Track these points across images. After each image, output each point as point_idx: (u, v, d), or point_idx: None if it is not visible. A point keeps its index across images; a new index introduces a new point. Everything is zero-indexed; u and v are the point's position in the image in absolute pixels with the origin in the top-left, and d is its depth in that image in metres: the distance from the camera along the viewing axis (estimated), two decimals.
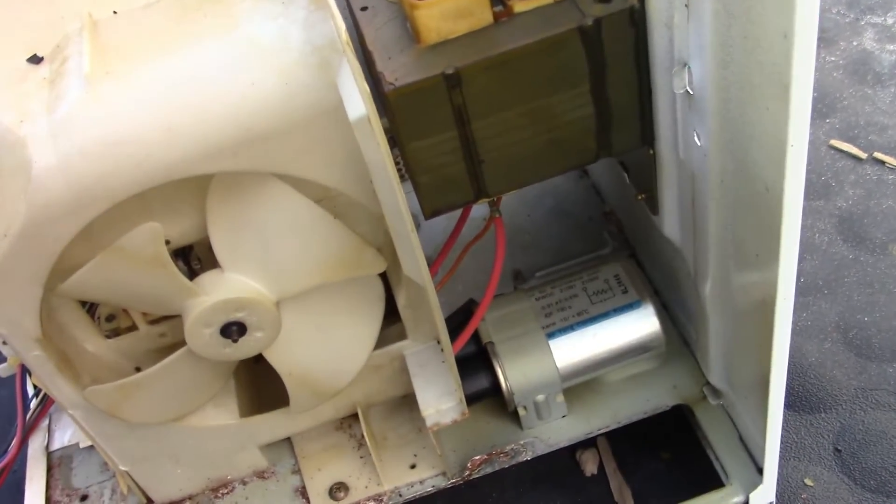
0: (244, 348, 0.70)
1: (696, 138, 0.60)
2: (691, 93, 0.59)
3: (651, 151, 0.68)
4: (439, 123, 0.62)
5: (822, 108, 1.22)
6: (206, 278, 0.64)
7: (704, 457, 0.78)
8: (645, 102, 0.64)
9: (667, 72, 0.60)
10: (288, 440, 0.84)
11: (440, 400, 0.74)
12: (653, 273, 0.90)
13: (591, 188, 1.04)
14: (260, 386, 0.80)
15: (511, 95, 0.62)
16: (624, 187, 0.90)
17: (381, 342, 0.73)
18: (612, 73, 0.61)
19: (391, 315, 0.75)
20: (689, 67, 0.57)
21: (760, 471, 0.76)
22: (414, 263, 0.63)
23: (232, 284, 0.63)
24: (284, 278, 0.67)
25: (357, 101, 0.55)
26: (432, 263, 0.80)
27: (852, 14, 1.36)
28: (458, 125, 0.62)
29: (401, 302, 0.74)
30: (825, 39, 1.31)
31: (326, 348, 0.74)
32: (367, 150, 0.58)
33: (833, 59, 1.29)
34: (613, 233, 0.96)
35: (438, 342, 0.75)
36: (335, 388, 0.77)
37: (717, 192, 0.61)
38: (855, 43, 1.32)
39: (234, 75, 0.57)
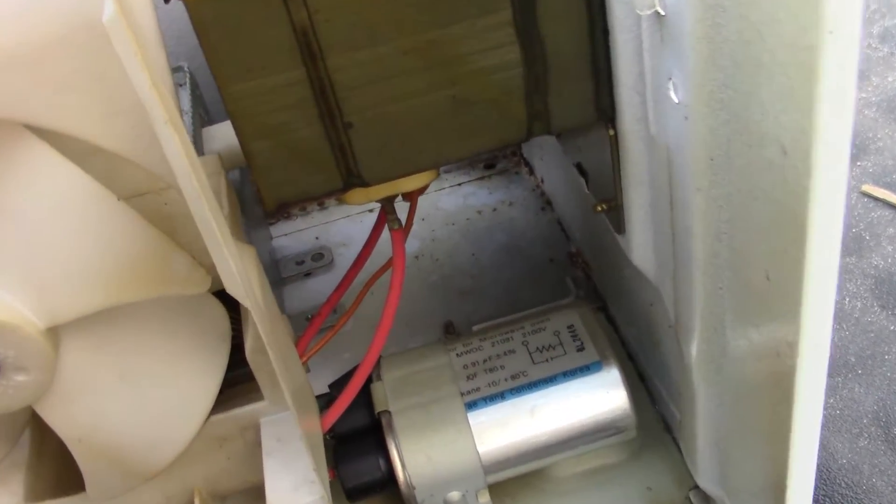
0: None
1: (671, 91, 0.39)
2: (662, 13, 0.37)
3: (611, 132, 0.46)
4: (275, 55, 0.40)
5: (854, 150, 1.01)
6: None
7: None
8: (598, 46, 0.43)
9: None
10: None
11: (295, 492, 0.51)
12: (627, 332, 0.67)
13: (554, 223, 0.82)
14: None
15: (386, 17, 0.40)
16: (591, 224, 0.68)
17: (227, 403, 0.56)
18: None
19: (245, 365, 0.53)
20: None
21: None
22: (229, 273, 0.41)
23: None
24: (55, 293, 0.45)
25: None
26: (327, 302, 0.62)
27: (886, 48, 1.17)
28: (307, 61, 0.41)
29: (248, 344, 0.51)
30: None
31: (136, 406, 0.51)
32: (133, 75, 0.36)
33: (865, 95, 1.10)
34: (579, 280, 0.74)
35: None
36: (153, 466, 0.54)
37: (705, 178, 0.39)
38: (890, 79, 1.12)
39: None
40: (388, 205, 0.54)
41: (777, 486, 0.44)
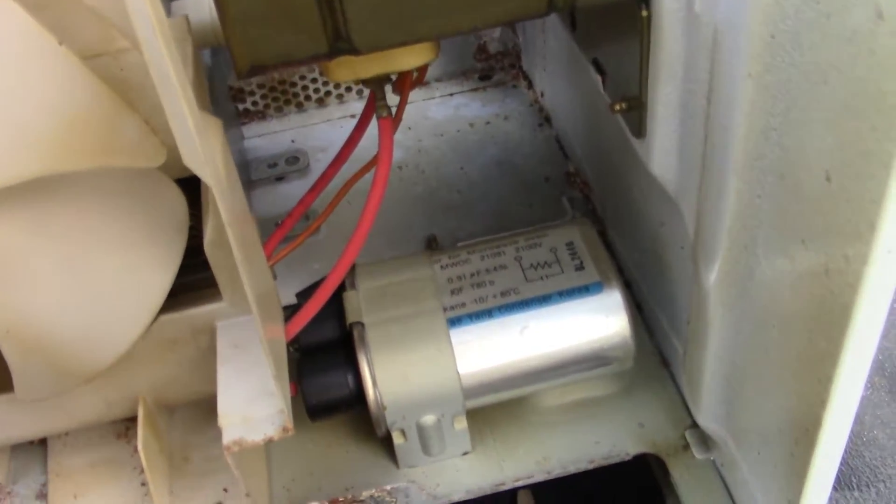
0: None
1: None
2: None
3: (644, 13, 0.40)
4: None
5: None
6: None
7: None
8: None
9: None
10: (43, 447, 0.53)
11: (251, 404, 0.45)
12: (628, 258, 0.61)
13: (552, 140, 0.76)
14: None
15: None
16: (597, 137, 0.62)
17: (179, 302, 0.51)
18: None
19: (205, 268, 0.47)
20: None
21: None
22: (188, 139, 0.34)
23: None
24: None
25: None
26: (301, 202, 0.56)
27: None
28: None
29: (207, 234, 0.45)
30: None
31: (75, 296, 0.45)
32: None
33: None
34: (577, 200, 0.69)
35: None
36: (91, 367, 0.48)
37: (760, 61, 0.34)
38: None
39: None
40: (377, 89, 0.47)
41: (800, 427, 0.39)
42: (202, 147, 0.35)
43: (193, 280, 0.51)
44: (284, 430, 0.45)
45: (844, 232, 0.31)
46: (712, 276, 0.44)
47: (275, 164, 0.76)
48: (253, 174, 0.76)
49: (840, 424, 0.36)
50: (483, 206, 0.71)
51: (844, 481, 0.62)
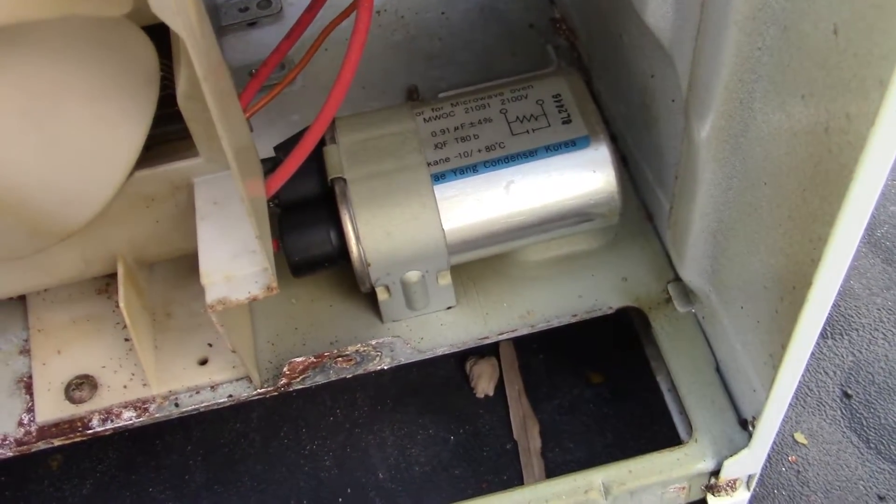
0: None
1: None
2: None
3: None
4: None
5: None
6: None
7: (656, 391, 0.53)
8: None
9: None
10: (22, 303, 0.53)
11: (233, 262, 0.45)
12: (615, 109, 0.60)
13: None
14: None
15: None
16: None
17: (155, 158, 0.49)
18: None
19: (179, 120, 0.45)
20: None
21: (745, 424, 0.48)
22: None
23: None
24: None
25: None
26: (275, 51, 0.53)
27: None
28: None
29: (180, 87, 0.43)
30: None
31: (44, 152, 0.43)
32: None
33: None
34: (563, 48, 0.67)
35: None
36: (66, 225, 0.47)
37: None
38: None
39: None
40: None
41: (787, 285, 0.39)
42: None
43: (168, 132, 0.50)
44: (269, 289, 0.45)
45: (850, 89, 0.30)
46: (704, 131, 0.43)
47: (246, 9, 0.73)
48: (223, 19, 0.72)
49: (830, 284, 0.36)
50: (465, 55, 0.69)
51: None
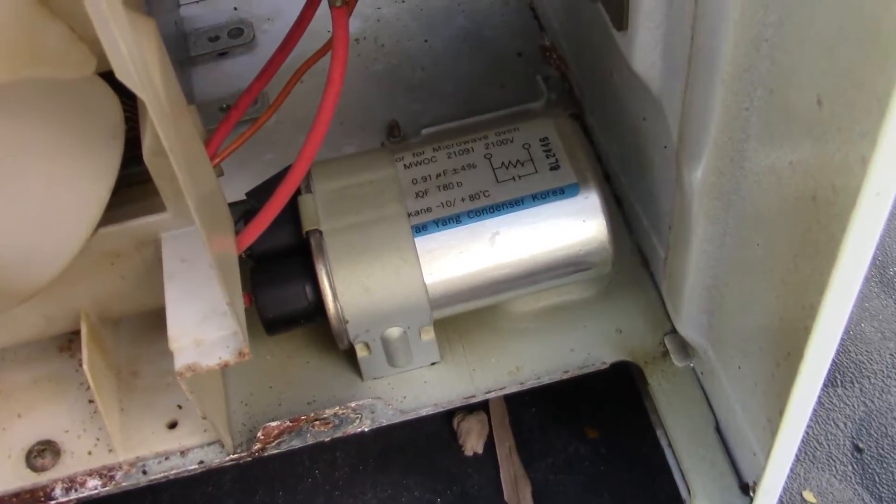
0: None
1: None
2: None
3: None
4: None
5: None
6: None
7: (656, 446, 0.57)
8: None
9: None
10: None
11: (203, 325, 0.46)
12: (608, 147, 0.62)
13: (526, 9, 0.76)
14: None
15: None
16: (577, 9, 0.62)
17: (121, 211, 0.52)
18: None
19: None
20: None
21: (746, 489, 0.50)
22: (118, 55, 0.33)
23: None
24: None
25: None
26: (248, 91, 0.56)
27: None
28: None
29: (145, 144, 0.45)
30: None
31: (5, 210, 0.45)
32: None
33: None
34: (553, 79, 0.69)
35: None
36: (27, 285, 0.49)
37: None
38: None
39: None
40: None
41: (782, 349, 0.41)
42: (134, 59, 0.35)
43: (134, 173, 0.51)
44: (241, 354, 0.46)
45: (834, 161, 0.32)
46: (696, 186, 0.45)
47: (216, 38, 0.75)
48: (192, 49, 0.75)
49: (823, 352, 0.38)
50: (449, 86, 0.71)
51: (828, 378, 0.66)
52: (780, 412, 0.42)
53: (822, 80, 0.32)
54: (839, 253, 0.33)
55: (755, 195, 0.40)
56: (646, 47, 0.45)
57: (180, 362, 0.47)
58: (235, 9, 0.78)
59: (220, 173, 0.56)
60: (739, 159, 0.40)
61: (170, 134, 0.37)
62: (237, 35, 0.75)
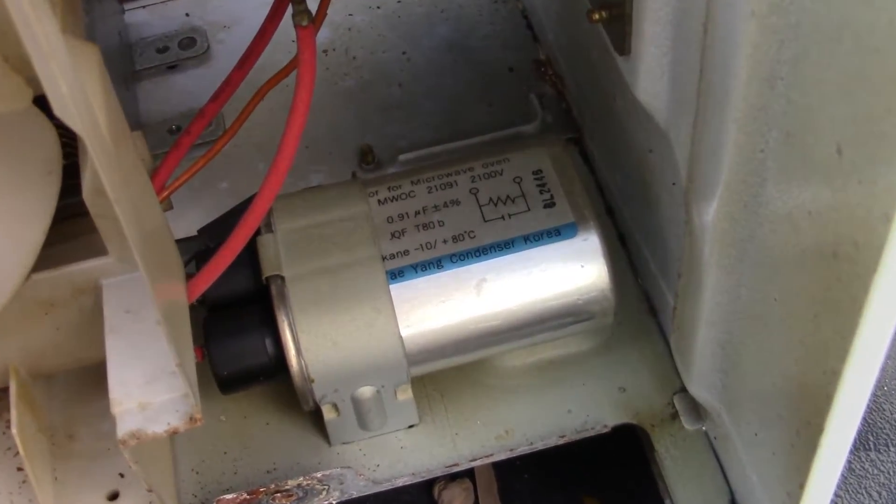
0: None
1: None
2: None
3: None
4: None
5: None
6: None
7: None
8: None
9: None
10: None
11: (149, 386, 0.48)
12: (609, 176, 0.63)
13: (518, 16, 0.78)
14: None
15: None
16: (576, 21, 0.64)
17: (57, 255, 0.52)
18: None
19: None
20: None
21: None
22: (57, 94, 0.35)
23: None
24: None
25: None
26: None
27: None
28: None
29: (85, 183, 0.46)
30: None
31: None
32: None
33: None
34: (547, 98, 0.71)
35: None
36: None
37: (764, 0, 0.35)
38: None
39: None
40: None
41: (802, 418, 0.43)
42: (74, 96, 0.37)
43: (72, 204, 0.53)
44: (192, 419, 0.48)
45: (856, 216, 0.34)
46: (707, 230, 0.46)
47: (165, 49, 0.77)
48: (137, 62, 0.76)
49: (847, 422, 0.39)
50: (430, 106, 0.73)
51: (860, 440, 0.67)
52: (801, 486, 0.44)
53: (841, 127, 0.34)
54: (862, 316, 0.35)
55: (772, 245, 0.42)
56: (651, 75, 0.47)
57: (123, 429, 0.48)
58: (187, 15, 0.79)
59: (168, 207, 0.58)
60: (754, 205, 0.42)
61: (113, 178, 0.38)
62: (189, 45, 0.77)
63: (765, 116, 0.39)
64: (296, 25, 0.50)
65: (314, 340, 0.53)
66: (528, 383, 0.60)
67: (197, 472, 0.58)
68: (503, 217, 0.55)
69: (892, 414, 0.69)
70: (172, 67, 0.76)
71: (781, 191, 0.40)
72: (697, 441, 0.57)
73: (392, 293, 0.54)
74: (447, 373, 0.59)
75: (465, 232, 0.55)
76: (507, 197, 0.56)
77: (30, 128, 0.47)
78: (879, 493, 0.65)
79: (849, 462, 0.68)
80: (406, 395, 0.56)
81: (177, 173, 0.56)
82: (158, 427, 0.48)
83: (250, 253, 0.56)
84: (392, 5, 0.79)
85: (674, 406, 0.58)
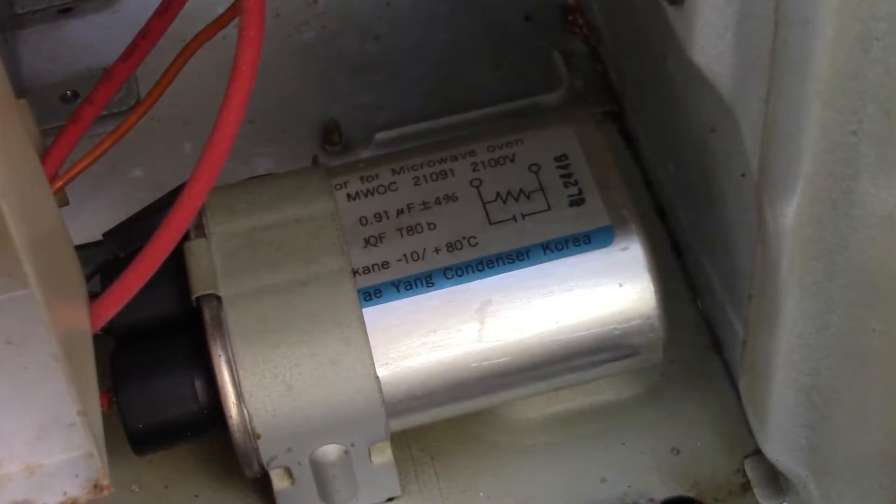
0: None
1: None
2: None
3: None
4: None
5: None
6: None
7: None
8: None
9: None
10: None
11: (39, 443, 0.50)
12: (658, 163, 0.66)
13: None
14: None
15: None
16: None
17: None
18: None
19: None
20: None
21: None
22: None
23: None
24: None
25: None
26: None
27: None
28: None
29: None
30: None
31: None
32: None
33: None
34: (578, 57, 0.73)
35: None
36: None
37: None
38: None
39: None
40: None
41: None
42: None
43: None
44: (96, 487, 0.50)
45: None
46: (785, 237, 0.49)
47: None
48: (18, 3, 0.79)
49: None
50: (417, 68, 0.75)
51: None
52: None
53: None
54: None
55: (869, 257, 0.45)
56: (710, 32, 0.49)
57: (4, 500, 0.50)
58: None
59: (63, 202, 0.60)
60: (845, 204, 0.45)
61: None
62: None
63: (857, 88, 0.41)
64: None
65: (261, 382, 0.56)
66: (548, 441, 0.62)
67: None
68: (514, 218, 0.58)
69: None
70: (66, 11, 0.79)
71: (880, 186, 0.42)
72: None
73: (366, 319, 0.56)
74: (439, 427, 0.61)
75: (464, 238, 0.58)
76: (521, 191, 0.59)
77: None
78: None
79: None
80: (384, 456, 0.59)
81: (74, 156, 0.59)
82: (51, 498, 0.50)
83: (175, 265, 0.58)
84: None
85: (745, 474, 0.61)
